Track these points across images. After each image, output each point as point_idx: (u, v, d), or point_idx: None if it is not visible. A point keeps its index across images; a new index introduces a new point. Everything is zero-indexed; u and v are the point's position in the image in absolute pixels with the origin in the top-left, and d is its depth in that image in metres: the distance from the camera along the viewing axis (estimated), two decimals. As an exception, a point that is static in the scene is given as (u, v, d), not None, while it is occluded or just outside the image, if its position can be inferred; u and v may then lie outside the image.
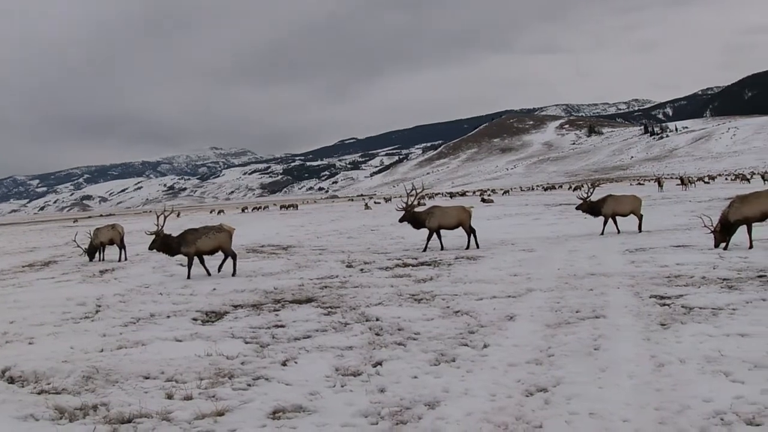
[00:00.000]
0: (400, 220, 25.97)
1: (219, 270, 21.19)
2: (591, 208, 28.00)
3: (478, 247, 24.82)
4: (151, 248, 21.21)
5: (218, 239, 20.93)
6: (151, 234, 21.29)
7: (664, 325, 10.91)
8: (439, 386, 8.43)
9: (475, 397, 7.97)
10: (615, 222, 27.73)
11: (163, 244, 20.97)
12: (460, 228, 25.47)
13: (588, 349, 9.78)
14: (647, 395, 7.74)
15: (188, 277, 20.34)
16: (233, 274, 20.74)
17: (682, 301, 12.75)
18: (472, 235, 25.22)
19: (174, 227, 27.40)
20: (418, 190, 27.43)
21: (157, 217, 21.78)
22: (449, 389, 8.29)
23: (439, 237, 25.41)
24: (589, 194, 28.88)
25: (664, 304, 12.58)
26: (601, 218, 27.84)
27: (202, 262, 21.08)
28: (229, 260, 21.25)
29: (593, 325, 11.22)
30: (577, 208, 28.90)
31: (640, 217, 27.72)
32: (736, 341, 9.70)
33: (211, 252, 21.12)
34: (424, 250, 24.77)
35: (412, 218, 25.50)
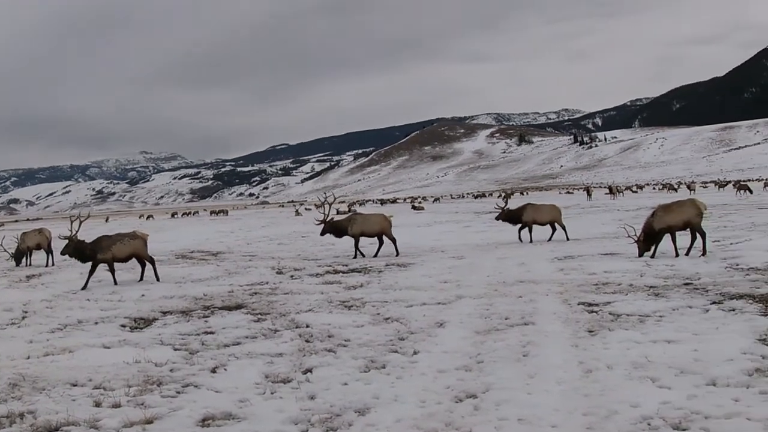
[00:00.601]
0: (322, 234, 25.84)
1: (140, 279, 20.88)
2: (510, 216, 28.23)
3: (397, 254, 24.90)
4: (63, 253, 20.75)
5: (132, 246, 20.64)
6: (65, 239, 20.90)
7: (592, 332, 11.05)
8: (369, 393, 8.43)
9: (405, 404, 7.99)
10: (530, 230, 28.02)
11: (76, 249, 20.46)
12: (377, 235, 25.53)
13: (517, 355, 9.87)
14: (575, 401, 7.83)
15: (115, 283, 20.05)
16: (157, 279, 20.53)
17: (610, 308, 12.94)
18: (393, 243, 25.31)
19: (102, 232, 27.03)
20: (330, 201, 27.22)
21: (71, 222, 21.41)
22: (379, 396, 8.30)
23: (356, 244, 25.38)
24: (506, 203, 29.09)
25: (592, 311, 12.75)
26: (523, 227, 28.01)
27: (111, 270, 20.66)
28: (151, 266, 21.01)
29: (522, 331, 11.32)
30: (496, 218, 29.07)
31: (562, 227, 28.06)
32: (662, 347, 9.87)
33: (126, 259, 20.83)
34: (355, 256, 24.79)
35: (333, 228, 25.44)
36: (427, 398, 8.15)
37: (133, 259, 21.08)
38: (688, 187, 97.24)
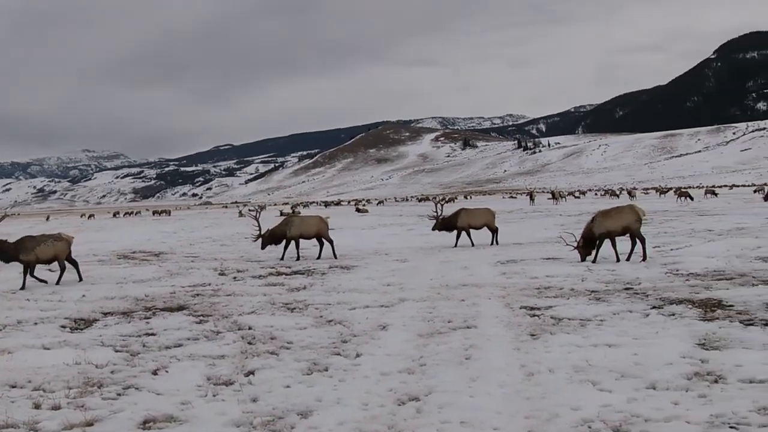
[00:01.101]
0: (263, 247, 25.47)
1: (57, 282, 20.37)
2: (445, 224, 28.27)
3: (335, 257, 24.90)
4: None
5: (56, 248, 20.17)
6: None
7: (534, 336, 11.12)
8: (311, 395, 8.40)
9: (348, 407, 7.97)
10: (468, 234, 28.05)
11: None
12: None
13: (460, 358, 9.89)
14: (517, 404, 7.87)
15: (22, 288, 19.34)
16: (79, 280, 20.26)
17: (552, 312, 13.03)
18: (330, 245, 25.32)
19: (44, 230, 26.64)
20: (259, 211, 26.98)
21: None
22: (322, 398, 8.27)
23: (297, 246, 25.29)
24: (440, 211, 29.15)
25: (534, 315, 12.83)
26: (459, 232, 28.06)
27: (32, 271, 20.13)
28: (74, 267, 20.65)
29: (465, 335, 11.36)
30: (433, 229, 29.04)
31: (495, 230, 28.24)
32: (603, 351, 9.96)
33: (50, 261, 20.40)
34: (297, 258, 24.71)
35: (272, 237, 25.19)
36: (370, 401, 8.14)
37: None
38: (629, 194, 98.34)
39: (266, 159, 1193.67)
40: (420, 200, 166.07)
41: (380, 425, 7.39)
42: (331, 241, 25.36)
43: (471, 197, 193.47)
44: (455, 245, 27.51)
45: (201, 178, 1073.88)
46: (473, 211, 28.71)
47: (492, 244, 27.72)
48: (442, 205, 30.23)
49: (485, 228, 28.25)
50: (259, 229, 25.38)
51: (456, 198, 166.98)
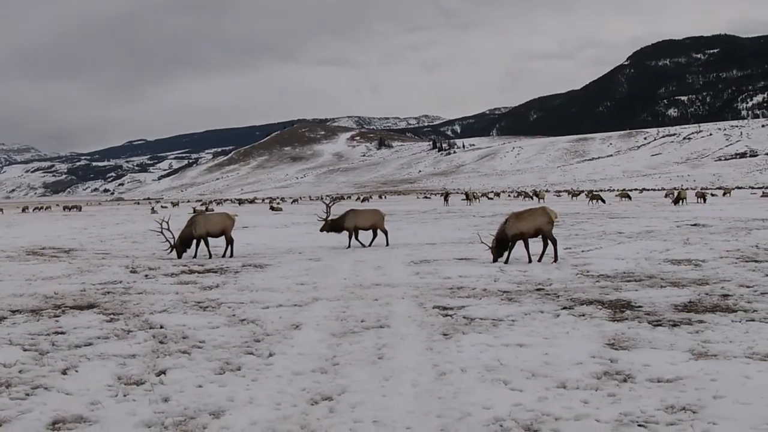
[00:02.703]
0: (179, 256, 24.80)
1: None
2: (334, 226, 28.21)
3: (232, 255, 24.79)
4: None
5: None
6: None
7: (447, 335, 11.19)
8: (224, 395, 8.33)
9: (260, 406, 7.93)
10: (356, 236, 28.05)
11: None
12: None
13: (372, 358, 9.91)
14: (430, 403, 7.91)
15: None
16: None
17: (464, 312, 13.12)
18: (230, 244, 25.18)
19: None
20: (167, 220, 26.50)
21: None
22: (234, 398, 8.21)
23: (207, 244, 25.10)
24: (328, 213, 29.14)
25: (447, 315, 12.90)
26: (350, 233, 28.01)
27: None
28: None
29: (378, 334, 11.38)
30: (321, 230, 28.91)
31: (384, 232, 28.28)
32: (514, 351, 10.07)
33: None
34: (209, 256, 24.50)
35: (182, 242, 24.74)
36: (283, 400, 8.10)
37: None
38: (537, 195, 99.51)
39: (180, 155, 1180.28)
40: (334, 199, 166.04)
41: (293, 425, 7.36)
42: (231, 240, 25.17)
43: (385, 197, 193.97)
44: (349, 245, 27.54)
45: (113, 174, 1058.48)
46: (361, 212, 28.70)
47: (370, 245, 27.68)
48: (330, 206, 30.20)
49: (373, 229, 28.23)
50: (170, 241, 24.96)
51: (371, 197, 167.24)
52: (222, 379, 9.06)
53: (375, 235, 28.23)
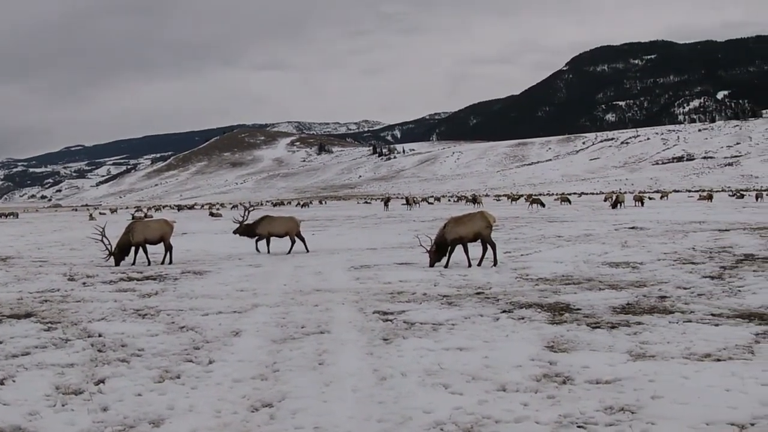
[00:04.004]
0: (117, 263, 24.40)
1: None
2: (247, 230, 28.26)
3: (171, 262, 24.62)
4: None
5: None
6: None
7: (387, 340, 11.20)
8: (163, 403, 8.25)
9: (201, 414, 7.87)
10: (268, 242, 28.06)
11: None
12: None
13: (313, 363, 9.88)
14: (370, 408, 7.91)
15: None
16: None
17: (404, 317, 13.14)
18: (168, 250, 25.02)
19: None
20: (103, 227, 26.13)
21: None
22: (174, 406, 8.14)
23: (146, 251, 24.85)
24: (245, 216, 29.11)
25: (387, 320, 12.92)
26: (260, 239, 28.08)
27: None
28: None
29: (318, 340, 11.35)
30: (234, 232, 28.95)
31: (299, 239, 28.28)
32: (455, 355, 10.11)
33: None
34: (148, 263, 24.25)
35: (120, 250, 24.40)
36: (223, 408, 8.06)
37: None
38: (475, 200, 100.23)
39: (119, 161, 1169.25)
40: (275, 205, 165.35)
41: (233, 432, 7.34)
42: (169, 247, 24.98)
43: (326, 202, 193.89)
44: (257, 249, 27.55)
45: (51, 180, 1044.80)
46: (276, 219, 28.64)
47: (289, 252, 27.54)
48: (248, 211, 30.19)
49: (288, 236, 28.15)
50: (108, 248, 24.66)
51: (311, 202, 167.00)
52: (161, 387, 8.97)
53: (293, 241, 28.14)
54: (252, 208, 33.43)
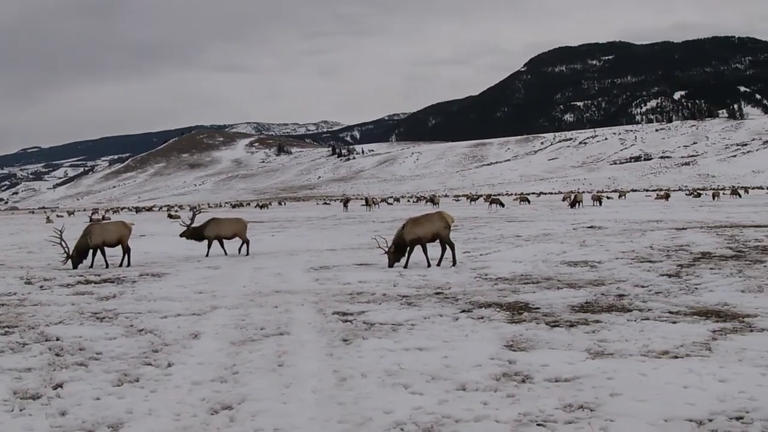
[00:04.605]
0: (74, 266, 24.12)
1: None
2: (194, 233, 28.03)
3: (129, 264, 24.46)
4: None
5: None
6: None
7: (347, 341, 11.19)
8: (122, 407, 8.18)
9: (160, 417, 7.81)
10: (222, 244, 27.94)
11: None
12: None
13: (273, 365, 9.86)
14: (331, 409, 7.90)
15: None
16: None
17: (364, 318, 13.15)
18: (126, 253, 24.83)
19: None
20: (61, 230, 25.88)
21: None
22: (133, 410, 8.07)
23: (104, 253, 24.67)
24: (192, 220, 29.01)
25: (347, 321, 12.92)
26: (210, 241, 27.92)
27: None
28: None
29: (278, 341, 11.33)
30: (181, 236, 28.68)
31: (246, 241, 28.22)
32: (414, 355, 10.13)
33: None
34: (106, 266, 24.01)
35: (78, 253, 24.14)
36: (182, 411, 8.01)
37: None
38: (431, 201, 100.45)
39: (76, 162, 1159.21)
40: (234, 206, 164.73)
41: (193, 435, 7.31)
42: (127, 249, 24.79)
43: (285, 203, 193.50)
44: (207, 254, 27.30)
45: (7, 182, 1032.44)
46: (223, 221, 28.50)
47: (239, 252, 27.67)
48: (195, 214, 30.08)
49: (236, 237, 28.16)
50: (66, 251, 24.42)
51: (270, 204, 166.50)
52: (120, 390, 8.90)
53: (243, 242, 28.11)
54: (199, 211, 33.27)
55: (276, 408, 7.99)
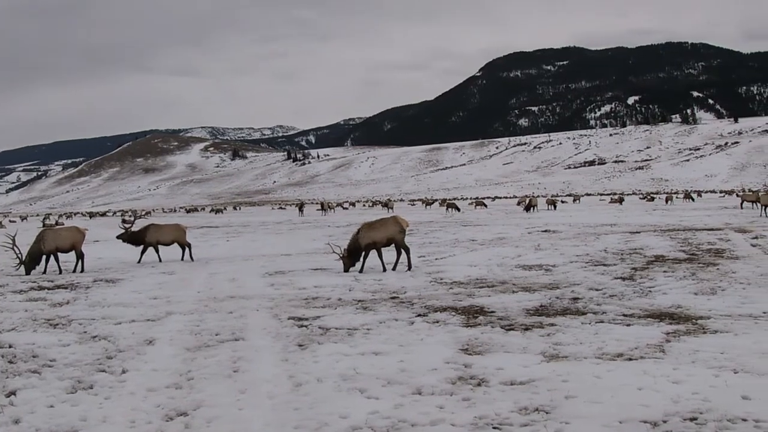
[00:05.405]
0: (27, 272, 23.93)
1: None
2: (133, 238, 27.77)
3: (83, 270, 24.18)
4: None
5: None
6: None
7: (302, 346, 11.18)
8: (76, 415, 8.12)
9: (114, 425, 7.76)
10: (157, 250, 27.79)
11: None
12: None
13: (228, 371, 9.83)
14: (286, 414, 7.90)
15: None
16: None
17: (320, 323, 13.13)
18: (80, 258, 24.61)
19: None
20: (13, 236, 25.60)
21: None
22: (87, 417, 8.02)
23: (57, 259, 24.45)
24: (132, 224, 28.82)
25: (302, 326, 12.89)
26: (146, 247, 27.67)
27: None
28: None
29: (233, 347, 11.29)
30: (117, 238, 28.55)
31: (187, 246, 28.13)
32: (370, 359, 10.14)
33: None
34: (60, 272, 23.75)
35: (30, 259, 23.86)
36: (137, 418, 7.96)
37: None
38: (385, 205, 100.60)
39: (29, 167, 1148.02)
40: (188, 211, 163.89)
41: (148, 442, 7.27)
42: (81, 255, 24.56)
43: (240, 208, 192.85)
44: (139, 261, 27.05)
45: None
46: (163, 227, 28.34)
47: (182, 259, 27.50)
48: (136, 218, 29.95)
49: (176, 244, 28.06)
50: (18, 257, 24.15)
51: (225, 208, 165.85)
52: (74, 398, 8.84)
53: (183, 248, 27.96)
54: (140, 216, 33.12)
55: (231, 414, 7.97)
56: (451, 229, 42.13)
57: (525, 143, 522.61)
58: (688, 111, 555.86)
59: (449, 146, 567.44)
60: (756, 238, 27.57)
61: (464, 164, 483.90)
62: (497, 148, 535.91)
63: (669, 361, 9.54)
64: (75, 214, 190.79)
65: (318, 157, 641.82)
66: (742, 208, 57.76)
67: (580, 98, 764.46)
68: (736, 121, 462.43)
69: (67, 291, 19.29)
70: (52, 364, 10.59)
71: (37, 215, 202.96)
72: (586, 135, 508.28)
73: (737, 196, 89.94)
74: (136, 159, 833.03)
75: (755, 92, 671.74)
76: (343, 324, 12.90)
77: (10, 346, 11.91)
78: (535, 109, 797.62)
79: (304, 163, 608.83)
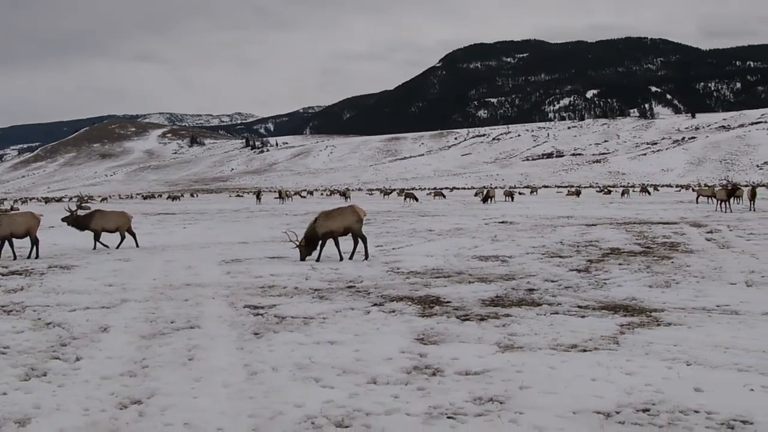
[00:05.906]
0: None
1: None
2: (78, 222, 27.51)
3: (37, 256, 23.94)
4: None
5: None
6: None
7: (258, 335, 11.18)
8: (29, 402, 8.07)
9: (68, 412, 7.72)
10: (98, 237, 27.36)
11: None
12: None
13: (183, 359, 9.81)
14: (241, 403, 7.91)
15: None
16: None
17: (276, 311, 13.14)
18: (35, 244, 24.28)
19: None
20: None
21: None
22: (41, 405, 7.96)
23: (11, 245, 24.15)
24: (77, 207, 28.53)
25: (258, 314, 12.89)
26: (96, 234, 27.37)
27: None
28: None
29: (188, 335, 11.27)
30: (62, 220, 28.27)
31: (131, 235, 27.94)
32: (326, 348, 10.17)
33: None
34: (14, 258, 23.52)
35: None
36: (91, 406, 7.92)
37: None
38: (343, 194, 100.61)
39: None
40: (145, 198, 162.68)
41: (102, 430, 7.23)
42: (36, 241, 24.27)
43: (197, 195, 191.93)
44: (94, 248, 26.83)
45: None
46: (108, 213, 28.13)
47: (118, 247, 27.01)
48: (83, 202, 29.75)
49: (118, 231, 27.69)
50: None
51: (182, 196, 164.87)
52: (27, 385, 8.77)
53: (123, 237, 27.66)
54: (87, 201, 32.82)
55: (186, 402, 7.96)
56: (408, 219, 42.19)
57: (484, 134, 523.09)
58: (646, 106, 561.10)
59: (408, 136, 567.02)
60: (711, 232, 27.89)
61: (423, 154, 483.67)
62: (456, 138, 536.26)
63: (623, 352, 9.65)
64: (30, 199, 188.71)
65: (276, 145, 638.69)
66: (697, 202, 58.30)
67: (540, 91, 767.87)
68: (693, 116, 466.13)
69: (21, 277, 19.11)
70: (6, 351, 10.50)
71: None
72: (544, 127, 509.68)
73: (693, 190, 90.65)
74: (93, 144, 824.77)
75: (713, 88, 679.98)
76: (299, 313, 12.92)
77: (-38, 333, 11.80)
78: (494, 100, 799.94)
79: (262, 151, 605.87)
